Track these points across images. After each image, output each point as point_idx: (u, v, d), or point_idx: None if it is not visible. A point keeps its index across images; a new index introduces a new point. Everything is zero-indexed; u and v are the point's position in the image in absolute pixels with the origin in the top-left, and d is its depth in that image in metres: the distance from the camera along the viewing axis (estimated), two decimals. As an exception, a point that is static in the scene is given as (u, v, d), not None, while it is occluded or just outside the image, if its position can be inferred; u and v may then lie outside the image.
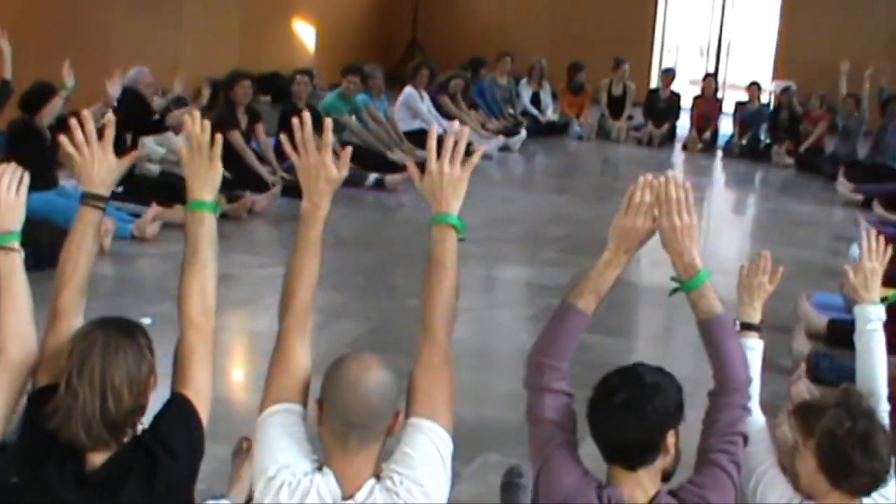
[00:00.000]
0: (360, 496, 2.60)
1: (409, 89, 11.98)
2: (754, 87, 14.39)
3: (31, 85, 7.63)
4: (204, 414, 2.78)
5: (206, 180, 2.96)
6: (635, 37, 17.50)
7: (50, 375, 2.75)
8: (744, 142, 13.88)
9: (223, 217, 7.80)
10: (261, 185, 9.06)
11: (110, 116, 6.92)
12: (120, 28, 12.01)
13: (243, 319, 6.40)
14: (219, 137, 2.98)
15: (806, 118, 13.65)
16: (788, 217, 10.79)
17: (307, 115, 2.95)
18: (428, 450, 2.69)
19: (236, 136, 9.16)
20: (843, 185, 11.49)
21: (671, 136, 14.51)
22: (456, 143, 2.93)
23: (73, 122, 2.97)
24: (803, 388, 5.41)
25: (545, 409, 2.87)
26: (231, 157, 8.17)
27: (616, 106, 14.60)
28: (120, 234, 7.39)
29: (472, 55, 14.48)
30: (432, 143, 2.94)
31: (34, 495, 2.59)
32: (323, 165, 2.88)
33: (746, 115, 14.17)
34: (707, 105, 14.45)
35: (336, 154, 2.91)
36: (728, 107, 14.84)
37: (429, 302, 2.90)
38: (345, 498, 2.60)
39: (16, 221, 2.87)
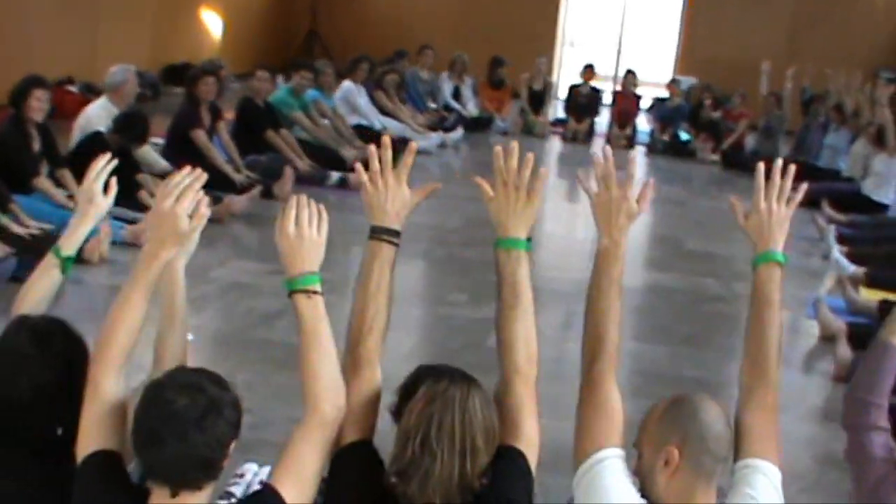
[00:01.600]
0: None
1: (347, 84, 11.73)
2: (674, 85, 14.62)
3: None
4: (533, 465, 2.63)
5: (521, 216, 2.78)
6: (540, 32, 17.57)
7: (358, 431, 2.59)
8: (665, 138, 14.07)
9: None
10: (227, 185, 8.72)
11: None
12: (39, 22, 11.52)
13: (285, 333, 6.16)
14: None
15: (727, 115, 13.91)
16: (730, 214, 10.93)
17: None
18: (769, 492, 2.65)
19: (200, 136, 8.85)
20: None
21: (591, 131, 14.58)
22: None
23: (372, 149, 2.76)
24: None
25: (875, 447, 2.94)
26: (197, 157, 7.91)
27: (537, 101, 14.60)
28: (113, 239, 7.02)
29: (373, 48, 14.18)
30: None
31: None
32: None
33: (666, 112, 14.38)
34: (626, 101, 14.59)
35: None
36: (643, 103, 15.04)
37: (763, 342, 2.84)
38: None
39: (317, 262, 2.63)
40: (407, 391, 2.50)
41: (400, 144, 9.41)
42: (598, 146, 14.27)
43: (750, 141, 13.98)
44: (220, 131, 9.19)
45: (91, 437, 2.50)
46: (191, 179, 2.61)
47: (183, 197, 2.58)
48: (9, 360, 2.64)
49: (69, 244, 3.07)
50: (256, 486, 3.59)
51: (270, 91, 9.89)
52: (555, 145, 14.32)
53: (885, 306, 7.27)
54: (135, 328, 2.59)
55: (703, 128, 14.03)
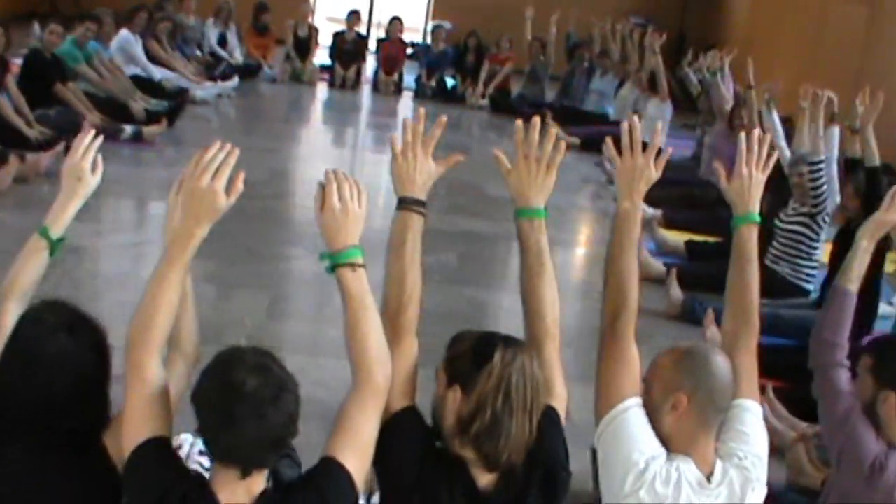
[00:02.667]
0: (716, 477, 2.76)
1: (124, 33, 11.26)
2: (440, 31, 14.83)
3: None
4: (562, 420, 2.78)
5: (542, 187, 2.89)
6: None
7: (405, 397, 2.66)
8: (432, 84, 14.28)
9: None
10: (21, 142, 8.26)
11: None
12: None
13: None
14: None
15: (493, 59, 14.23)
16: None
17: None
18: (758, 427, 2.92)
19: (-12, 90, 8.34)
20: (556, 129, 12.18)
21: (358, 78, 14.61)
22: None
23: (406, 121, 2.80)
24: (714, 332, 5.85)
25: (841, 382, 3.32)
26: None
27: (302, 47, 14.48)
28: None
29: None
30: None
31: None
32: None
33: (432, 58, 14.58)
34: (393, 47, 14.70)
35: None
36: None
37: (747, 293, 3.11)
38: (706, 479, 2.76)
39: (358, 235, 2.61)
40: (474, 358, 2.56)
41: (179, 95, 9.13)
42: (366, 91, 14.39)
43: (517, 86, 14.38)
44: (8, 85, 8.69)
45: (140, 424, 2.46)
46: (225, 154, 2.55)
47: (220, 173, 2.52)
48: (49, 358, 2.56)
49: (58, 225, 2.98)
50: (196, 457, 3.53)
51: (58, 44, 9.41)
52: (323, 92, 14.31)
53: (692, 246, 7.82)
54: (174, 309, 2.55)
55: (468, 73, 14.33)
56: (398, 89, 14.38)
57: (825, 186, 6.49)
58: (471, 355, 2.58)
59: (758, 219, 3.19)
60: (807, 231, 6.70)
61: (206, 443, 2.51)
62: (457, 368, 2.60)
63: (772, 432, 4.33)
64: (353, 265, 2.56)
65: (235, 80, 12.91)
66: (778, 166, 5.01)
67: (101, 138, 3.08)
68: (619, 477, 2.71)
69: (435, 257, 6.88)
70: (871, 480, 3.24)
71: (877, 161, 5.97)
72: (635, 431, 2.75)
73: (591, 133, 11.91)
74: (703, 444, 2.77)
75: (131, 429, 2.46)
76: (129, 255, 6.74)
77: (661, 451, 2.74)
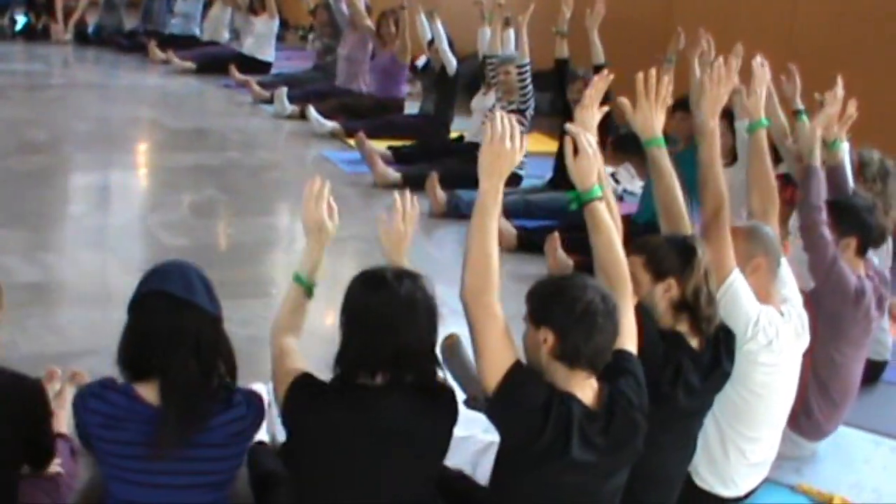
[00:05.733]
0: (786, 314, 3.64)
1: None
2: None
3: None
4: None
5: (659, 120, 3.58)
6: None
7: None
8: (6, 22, 14.06)
9: None
10: None
11: None
12: None
13: None
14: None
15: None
16: (154, 90, 11.85)
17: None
18: (788, 278, 3.89)
19: None
20: (168, 56, 12.75)
21: None
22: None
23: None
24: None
25: (826, 233, 4.14)
26: None
27: None
28: None
29: None
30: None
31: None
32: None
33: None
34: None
35: None
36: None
37: (769, 178, 4.06)
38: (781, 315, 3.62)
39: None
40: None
41: None
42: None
43: (93, 16, 14.52)
44: None
45: (504, 353, 2.84)
46: (510, 122, 2.96)
47: (517, 136, 2.93)
48: (404, 311, 2.90)
49: (310, 273, 3.29)
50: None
51: None
52: None
53: (394, 150, 8.75)
54: (496, 254, 2.92)
55: (41, 9, 14.22)
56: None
57: (531, 86, 7.83)
58: (676, 254, 3.34)
59: (767, 123, 4.16)
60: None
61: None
62: (664, 267, 3.33)
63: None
64: (600, 199, 3.15)
65: None
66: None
67: (328, 184, 3.30)
68: (741, 328, 3.46)
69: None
70: (857, 303, 4.11)
71: (601, 59, 7.06)
72: (744, 294, 3.47)
73: (206, 56, 12.62)
74: (773, 293, 3.65)
75: (496, 359, 2.83)
76: None
77: (759, 304, 3.51)
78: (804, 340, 3.70)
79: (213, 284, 2.99)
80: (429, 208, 7.37)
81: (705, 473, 3.58)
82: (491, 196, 2.91)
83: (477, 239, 2.88)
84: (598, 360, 2.87)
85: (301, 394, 2.93)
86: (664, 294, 3.34)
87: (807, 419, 4.13)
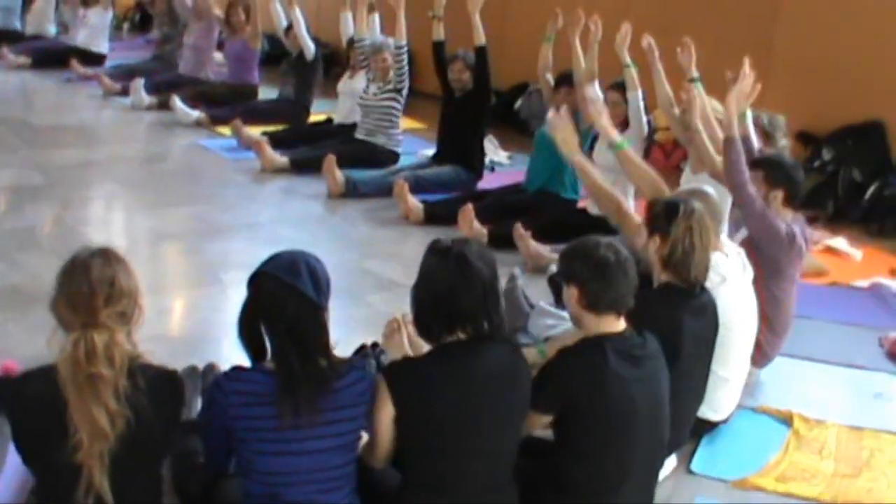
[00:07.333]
0: None
1: None
2: None
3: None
4: None
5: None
6: None
7: None
8: None
9: None
10: None
11: None
12: None
13: None
14: None
15: None
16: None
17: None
18: None
19: None
20: (2, 53, 12.58)
21: None
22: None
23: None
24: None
25: (752, 189, 4.68)
26: None
27: None
28: None
29: None
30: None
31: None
32: None
33: None
34: None
35: None
36: None
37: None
38: None
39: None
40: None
41: None
42: None
43: None
44: None
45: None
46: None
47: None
48: (463, 272, 3.17)
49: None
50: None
51: None
52: None
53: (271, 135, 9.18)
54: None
55: None
56: None
57: (406, 66, 8.28)
58: (664, 213, 3.91)
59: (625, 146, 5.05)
60: (395, 105, 8.39)
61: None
62: (656, 224, 3.95)
63: (537, 257, 6.24)
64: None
65: None
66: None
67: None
68: None
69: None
70: (790, 245, 4.63)
71: (483, 41, 7.50)
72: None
73: (39, 51, 12.54)
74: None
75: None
76: None
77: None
78: (749, 272, 4.33)
79: (324, 275, 3.12)
80: (326, 189, 7.81)
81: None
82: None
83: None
84: (620, 304, 3.37)
85: (401, 370, 3.23)
86: (653, 246, 4.05)
87: (756, 350, 4.58)
